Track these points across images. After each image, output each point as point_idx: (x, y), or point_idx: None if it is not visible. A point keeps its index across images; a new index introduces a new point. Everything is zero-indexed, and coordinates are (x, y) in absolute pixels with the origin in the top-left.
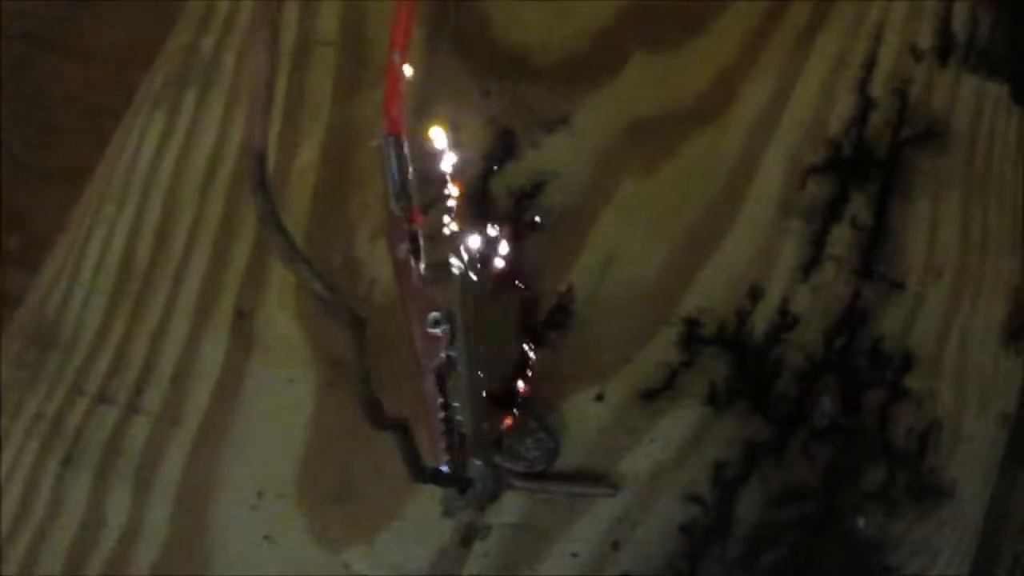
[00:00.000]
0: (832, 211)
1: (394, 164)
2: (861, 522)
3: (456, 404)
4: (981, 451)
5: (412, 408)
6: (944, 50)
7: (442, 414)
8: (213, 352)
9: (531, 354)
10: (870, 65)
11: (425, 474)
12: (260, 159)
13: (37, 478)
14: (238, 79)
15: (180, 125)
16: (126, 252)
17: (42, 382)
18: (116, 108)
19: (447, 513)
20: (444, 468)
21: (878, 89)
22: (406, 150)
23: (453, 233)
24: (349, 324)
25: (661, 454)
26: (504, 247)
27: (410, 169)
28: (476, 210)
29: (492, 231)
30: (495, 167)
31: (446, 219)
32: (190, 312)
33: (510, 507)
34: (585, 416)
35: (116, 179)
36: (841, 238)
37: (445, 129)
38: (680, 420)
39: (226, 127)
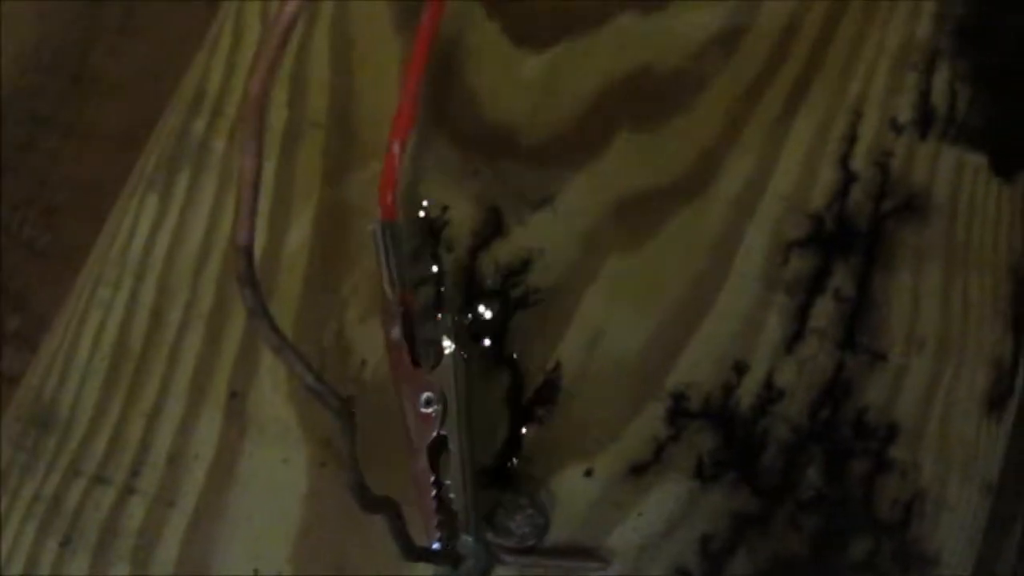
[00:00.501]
0: (815, 284)
1: (388, 250)
2: None
3: (448, 482)
4: (965, 520)
5: (404, 487)
6: (924, 123)
7: (434, 492)
8: (208, 433)
9: (521, 431)
10: (851, 139)
11: (416, 553)
12: (248, 255)
13: (37, 558)
14: (229, 162)
15: (173, 208)
16: (121, 334)
17: (40, 463)
18: (115, 188)
19: None
20: (436, 546)
21: (859, 162)
22: (399, 235)
23: (443, 313)
24: (337, 412)
25: (649, 528)
26: (493, 325)
27: (402, 253)
28: (465, 289)
29: (481, 310)
30: (483, 245)
31: (436, 299)
32: (184, 393)
33: None
34: (574, 491)
35: (111, 261)
36: (824, 311)
37: (435, 208)
38: (668, 494)
39: (218, 209)
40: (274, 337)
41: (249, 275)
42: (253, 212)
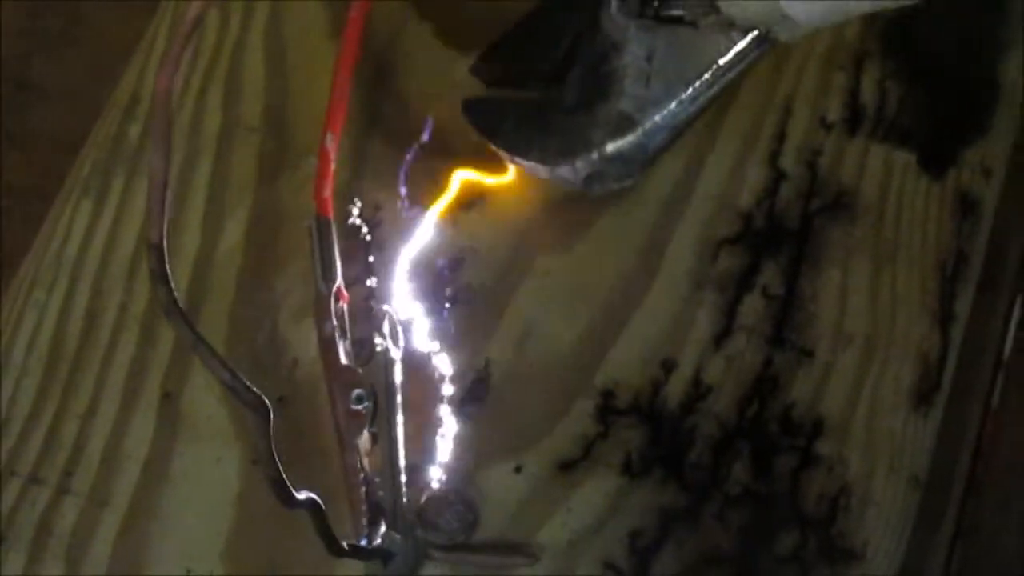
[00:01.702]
0: (744, 282)
1: (323, 245)
2: None
3: (377, 479)
4: (892, 513)
5: (335, 484)
6: (853, 122)
7: (364, 488)
8: (141, 433)
9: (451, 427)
10: (780, 138)
11: (341, 549)
12: (159, 253)
13: None
14: None
15: (107, 211)
16: (56, 336)
17: None
18: (54, 193)
19: None
20: (363, 542)
21: (788, 161)
22: (333, 232)
23: (376, 310)
24: (254, 408)
25: (578, 523)
26: (425, 323)
27: (336, 250)
28: (397, 287)
29: (413, 307)
30: (415, 244)
31: (368, 297)
32: (118, 394)
33: None
34: (504, 488)
35: (45, 265)
36: (753, 308)
37: (367, 208)
38: (597, 490)
39: None
40: (188, 333)
41: (161, 272)
42: (163, 210)
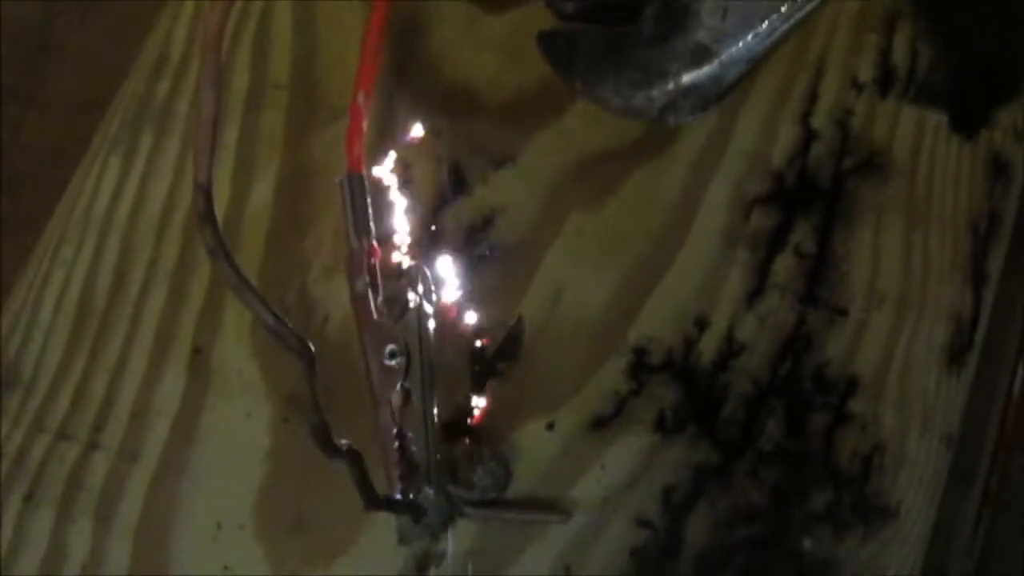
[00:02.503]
0: (776, 240)
1: (355, 201)
2: (808, 543)
3: (410, 434)
4: (925, 472)
5: (368, 441)
6: (884, 82)
7: (397, 444)
8: (171, 388)
9: (484, 385)
10: (812, 98)
11: (377, 501)
12: (206, 193)
13: (0, 514)
14: (191, 124)
15: (136, 169)
16: (84, 293)
17: (4, 421)
18: (76, 156)
19: (402, 541)
20: (397, 496)
21: (820, 121)
22: (366, 187)
23: (408, 267)
24: (298, 352)
25: (611, 480)
26: (457, 280)
27: (368, 205)
28: (429, 245)
29: (445, 265)
30: (446, 203)
31: (401, 254)
32: (148, 350)
33: (464, 534)
34: (537, 445)
35: (73, 222)
36: (785, 267)
37: (398, 167)
38: (630, 447)
39: (181, 170)
40: (233, 276)
41: (209, 213)
42: (212, 149)
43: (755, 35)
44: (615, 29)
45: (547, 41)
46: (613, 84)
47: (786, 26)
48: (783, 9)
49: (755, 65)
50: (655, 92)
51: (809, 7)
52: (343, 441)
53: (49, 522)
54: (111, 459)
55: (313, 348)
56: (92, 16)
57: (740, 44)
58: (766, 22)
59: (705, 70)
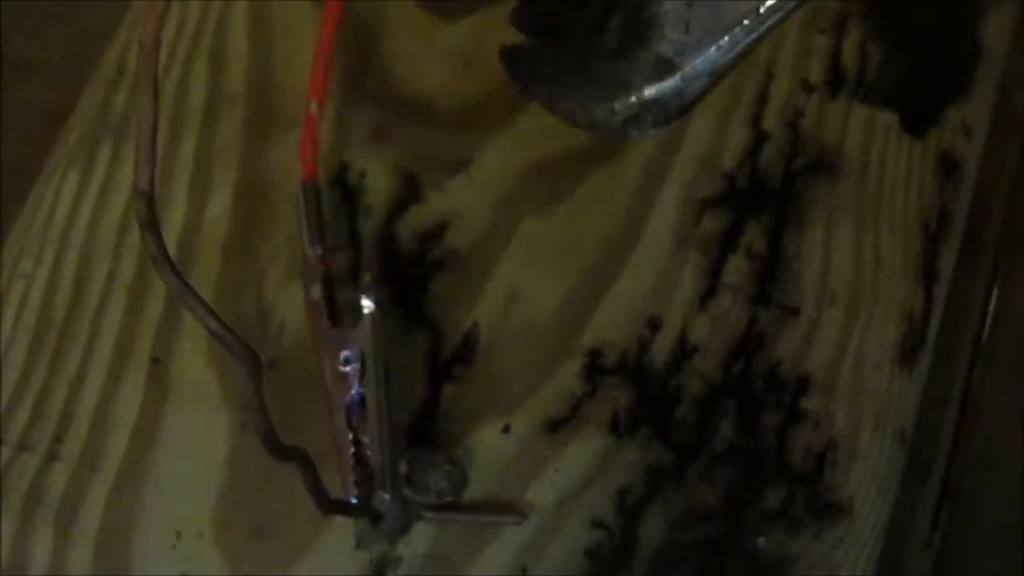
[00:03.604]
0: (728, 242)
1: (310, 209)
2: (762, 541)
3: (366, 439)
4: (878, 469)
5: (324, 447)
6: (835, 83)
7: (352, 450)
8: (130, 399)
9: (439, 389)
10: (762, 100)
11: (331, 505)
12: (148, 200)
13: None
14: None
15: (95, 180)
16: (43, 305)
17: None
18: (38, 170)
19: (360, 546)
20: (353, 500)
21: (771, 122)
22: (320, 196)
23: (362, 275)
24: (243, 357)
25: (566, 482)
26: (411, 287)
27: (323, 214)
28: (383, 251)
29: (399, 271)
30: (401, 210)
31: (355, 261)
32: (107, 361)
33: (421, 538)
34: (492, 447)
35: (32, 235)
36: (737, 267)
37: (353, 174)
38: (584, 448)
39: None
40: (176, 283)
41: (151, 220)
42: (152, 157)
43: (718, 48)
44: (580, 44)
45: (510, 57)
46: (578, 98)
47: (749, 39)
48: (746, 22)
49: (718, 79)
50: (617, 105)
51: (772, 20)
52: (292, 445)
53: (10, 533)
54: (71, 469)
55: (261, 354)
56: (51, 28)
57: (703, 57)
58: (728, 35)
59: (668, 83)
